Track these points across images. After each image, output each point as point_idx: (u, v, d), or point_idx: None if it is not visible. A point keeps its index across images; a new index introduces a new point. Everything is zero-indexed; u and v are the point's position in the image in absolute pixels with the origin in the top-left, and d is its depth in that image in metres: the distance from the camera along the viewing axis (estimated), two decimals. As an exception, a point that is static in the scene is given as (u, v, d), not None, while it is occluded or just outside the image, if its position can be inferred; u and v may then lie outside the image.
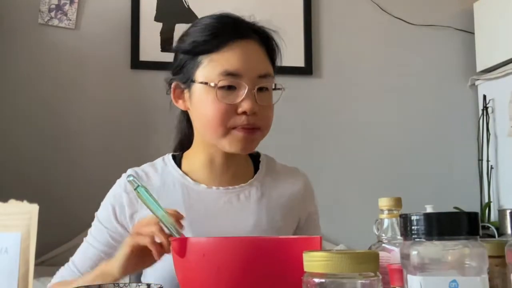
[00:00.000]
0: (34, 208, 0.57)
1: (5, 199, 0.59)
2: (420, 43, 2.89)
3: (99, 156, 2.49)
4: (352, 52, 2.83)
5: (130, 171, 1.19)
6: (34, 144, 2.46)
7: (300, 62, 2.75)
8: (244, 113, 1.06)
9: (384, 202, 0.93)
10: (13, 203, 0.57)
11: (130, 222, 1.13)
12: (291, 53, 2.74)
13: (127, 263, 0.92)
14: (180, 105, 1.16)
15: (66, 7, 2.55)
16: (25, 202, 0.58)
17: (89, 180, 2.42)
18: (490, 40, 2.73)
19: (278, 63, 1.18)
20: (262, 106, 1.08)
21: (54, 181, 2.43)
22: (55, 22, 2.54)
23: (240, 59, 1.06)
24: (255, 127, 1.08)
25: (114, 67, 2.57)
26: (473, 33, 2.84)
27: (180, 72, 1.13)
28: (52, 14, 2.54)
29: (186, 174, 1.17)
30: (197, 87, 1.09)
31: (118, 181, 1.18)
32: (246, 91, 1.05)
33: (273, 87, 1.13)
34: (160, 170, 1.18)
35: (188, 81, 1.11)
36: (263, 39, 1.13)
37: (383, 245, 0.90)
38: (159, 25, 2.62)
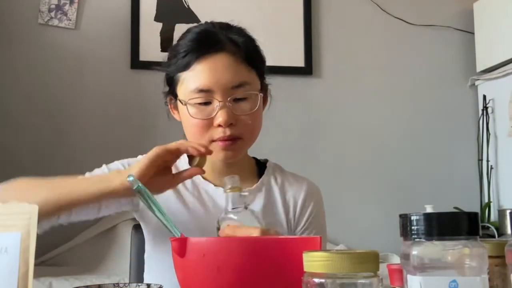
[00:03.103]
0: (34, 208, 0.57)
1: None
2: (420, 43, 2.89)
3: (98, 155, 2.48)
4: (352, 52, 2.83)
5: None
6: (34, 143, 2.46)
7: (300, 62, 2.75)
8: (220, 125, 1.09)
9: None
10: (13, 203, 0.57)
11: None
12: (291, 53, 2.74)
13: (146, 168, 0.95)
14: (176, 116, 1.20)
15: (66, 7, 2.55)
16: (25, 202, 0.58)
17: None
18: (490, 40, 2.73)
19: (263, 65, 1.19)
20: (240, 116, 1.10)
21: (54, 181, 2.43)
22: (55, 22, 2.54)
23: (209, 75, 1.09)
24: (235, 137, 1.11)
25: (114, 67, 2.58)
26: (473, 33, 2.85)
27: (169, 87, 1.18)
28: (52, 14, 2.54)
29: None
30: (179, 103, 1.14)
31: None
32: (218, 104, 1.08)
33: (259, 89, 1.14)
34: (176, 163, 1.21)
35: (175, 96, 1.16)
36: (238, 47, 1.12)
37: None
38: (159, 25, 2.62)
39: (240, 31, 1.16)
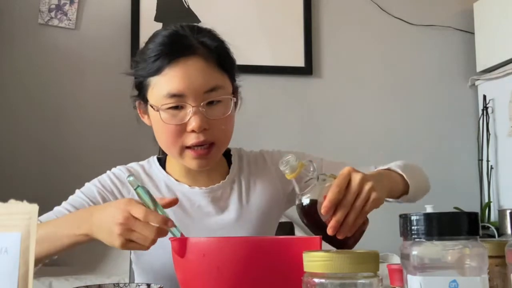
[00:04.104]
0: (34, 208, 0.57)
1: (5, 199, 0.59)
2: (420, 43, 2.89)
3: (99, 156, 2.48)
4: (352, 52, 2.83)
5: (117, 170, 1.22)
6: (34, 144, 2.46)
7: (300, 62, 2.74)
8: (193, 131, 1.07)
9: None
10: (13, 203, 0.57)
11: None
12: (291, 53, 2.74)
13: (110, 245, 0.90)
14: (146, 120, 1.18)
15: (66, 7, 2.55)
16: (25, 202, 0.58)
17: (89, 181, 2.41)
18: (490, 40, 2.73)
19: (234, 68, 1.16)
20: (214, 120, 1.08)
21: (54, 181, 2.43)
22: (55, 22, 2.54)
23: (181, 79, 1.06)
24: (209, 143, 1.09)
25: (114, 67, 2.57)
26: (473, 33, 2.84)
27: (139, 91, 1.15)
28: (52, 14, 2.54)
29: (170, 175, 1.22)
30: (150, 108, 1.12)
31: (108, 172, 1.23)
32: (191, 109, 1.06)
33: (231, 93, 1.13)
34: (147, 170, 1.23)
35: (145, 101, 1.13)
36: (211, 51, 1.10)
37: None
38: (159, 25, 2.62)
39: (211, 34, 1.13)
